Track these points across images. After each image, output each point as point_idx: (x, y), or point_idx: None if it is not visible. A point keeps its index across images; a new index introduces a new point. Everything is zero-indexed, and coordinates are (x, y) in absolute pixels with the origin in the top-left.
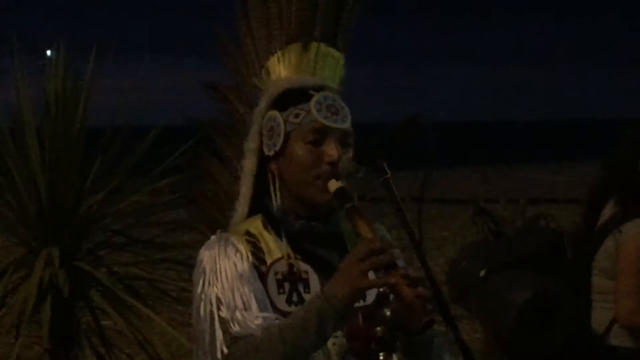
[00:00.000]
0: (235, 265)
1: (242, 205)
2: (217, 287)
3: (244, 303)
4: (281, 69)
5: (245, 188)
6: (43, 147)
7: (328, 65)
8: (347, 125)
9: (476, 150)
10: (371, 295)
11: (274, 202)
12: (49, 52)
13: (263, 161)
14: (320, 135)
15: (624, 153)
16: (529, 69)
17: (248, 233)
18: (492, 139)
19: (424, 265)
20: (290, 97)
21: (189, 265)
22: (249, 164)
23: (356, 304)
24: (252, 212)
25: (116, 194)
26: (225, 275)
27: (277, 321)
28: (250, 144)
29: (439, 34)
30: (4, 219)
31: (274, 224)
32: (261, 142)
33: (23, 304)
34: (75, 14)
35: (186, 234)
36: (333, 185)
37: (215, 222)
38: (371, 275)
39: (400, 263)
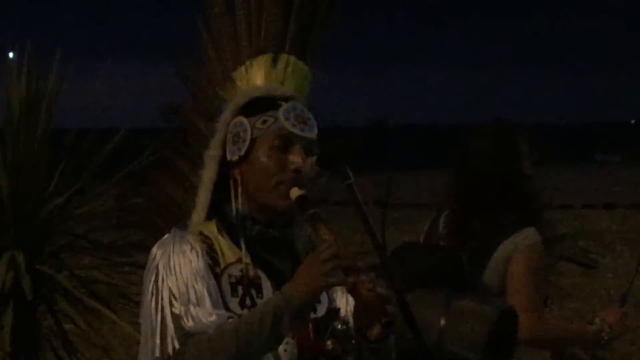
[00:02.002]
0: (190, 261)
1: (198, 212)
2: (170, 282)
3: (197, 299)
4: (250, 79)
5: (204, 196)
6: (5, 149)
7: (297, 77)
8: (314, 134)
9: (440, 154)
10: (322, 309)
11: (233, 206)
12: (11, 55)
13: (225, 168)
14: (286, 142)
15: (496, 157)
16: (490, 71)
17: (202, 234)
18: (459, 142)
19: (387, 269)
20: (259, 105)
21: None
22: (208, 173)
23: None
24: (208, 217)
25: (80, 197)
26: (180, 270)
27: (230, 319)
28: (212, 152)
29: (398, 35)
30: None
31: (229, 228)
32: (224, 150)
33: None
34: (41, 16)
35: (147, 239)
36: (295, 192)
37: (161, 232)
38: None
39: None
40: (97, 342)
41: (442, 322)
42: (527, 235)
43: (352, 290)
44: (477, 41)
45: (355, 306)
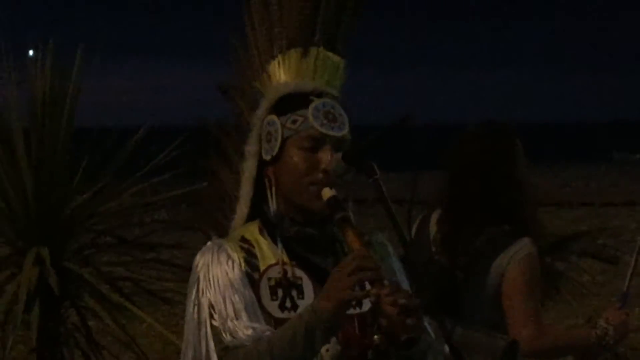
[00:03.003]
0: (226, 273)
1: (241, 208)
2: (209, 294)
3: (234, 312)
4: (281, 74)
5: (245, 191)
6: (30, 147)
7: (328, 70)
8: (343, 132)
9: None
10: (367, 303)
11: (270, 206)
12: (31, 52)
13: (262, 165)
14: (316, 142)
15: (489, 162)
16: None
17: (243, 239)
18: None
19: (414, 267)
20: (290, 102)
21: (173, 265)
22: (249, 167)
23: (352, 311)
24: (251, 216)
25: (103, 194)
26: (218, 282)
27: (267, 332)
28: (251, 147)
29: (421, 36)
30: None
31: (270, 229)
32: (261, 145)
33: (10, 303)
34: (63, 14)
35: (168, 235)
36: (326, 193)
37: (218, 224)
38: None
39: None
40: (121, 338)
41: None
42: (522, 246)
43: (375, 303)
44: (504, 40)
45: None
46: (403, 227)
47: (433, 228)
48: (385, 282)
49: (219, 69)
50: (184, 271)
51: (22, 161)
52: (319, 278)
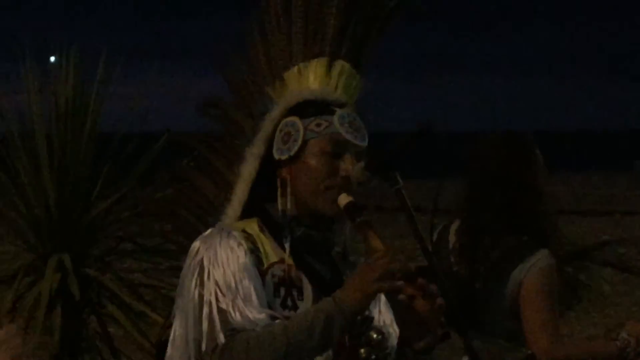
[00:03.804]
0: (238, 257)
1: (234, 208)
2: (217, 276)
3: (245, 295)
4: (302, 81)
5: (241, 192)
6: (52, 153)
7: (349, 85)
8: (364, 143)
9: None
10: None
11: (279, 206)
12: (52, 59)
13: (269, 166)
14: (339, 147)
15: (508, 171)
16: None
17: (245, 232)
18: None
19: (436, 276)
20: (313, 107)
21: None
22: (248, 169)
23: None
24: (243, 217)
25: (124, 201)
26: (228, 265)
27: (277, 320)
28: (255, 149)
29: (449, 42)
30: (12, 224)
31: (272, 228)
32: (267, 148)
33: (32, 309)
34: (86, 20)
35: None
36: (344, 199)
37: (197, 232)
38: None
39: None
40: (142, 345)
41: None
42: (540, 258)
43: (405, 299)
44: (525, 48)
45: (404, 316)
46: (425, 237)
47: (452, 238)
48: (417, 278)
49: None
50: None
51: (44, 168)
52: (316, 282)
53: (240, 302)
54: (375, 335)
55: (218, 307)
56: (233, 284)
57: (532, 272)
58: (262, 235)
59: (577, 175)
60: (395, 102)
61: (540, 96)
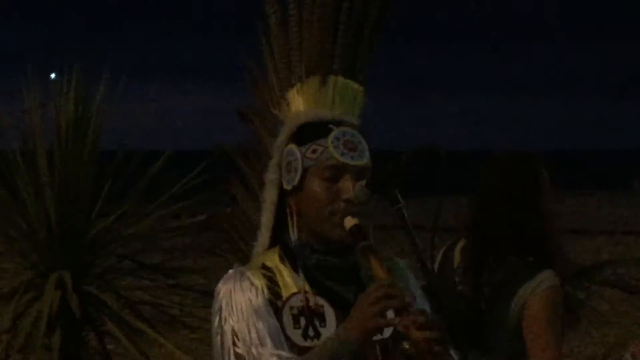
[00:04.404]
0: (250, 300)
1: (263, 235)
2: (232, 321)
3: (259, 339)
4: (300, 102)
5: (266, 219)
6: (53, 170)
7: (347, 98)
8: (364, 161)
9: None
10: (388, 330)
11: (291, 235)
12: (53, 75)
13: (283, 194)
14: (337, 172)
15: (515, 192)
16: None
17: (264, 266)
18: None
19: (436, 295)
20: (309, 132)
21: (193, 290)
22: (269, 195)
23: (374, 338)
24: (273, 243)
25: (125, 219)
26: (241, 309)
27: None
28: (270, 175)
29: (444, 62)
30: (13, 241)
31: (290, 257)
32: (281, 174)
33: (32, 326)
34: (88, 37)
35: (189, 260)
36: (349, 222)
37: (238, 249)
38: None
39: (413, 304)
40: None
41: None
42: (545, 278)
43: (401, 331)
44: (525, 67)
45: (408, 343)
46: (425, 256)
47: (457, 257)
48: (411, 309)
49: (244, 94)
50: (204, 296)
51: (45, 185)
52: (341, 306)
53: (254, 348)
54: (408, 346)
55: (235, 353)
56: (246, 330)
57: (536, 292)
58: (281, 266)
59: (577, 195)
60: (397, 121)
61: (540, 116)
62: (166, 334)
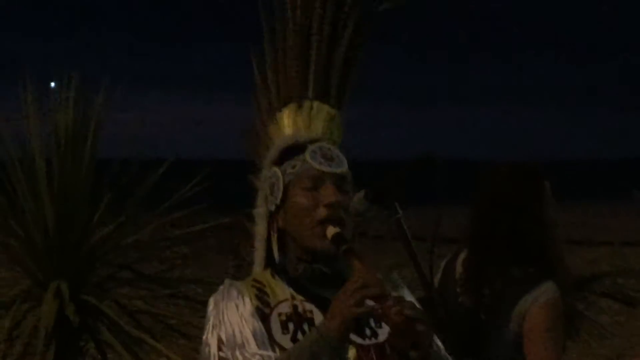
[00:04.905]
0: (236, 306)
1: (258, 263)
2: (219, 330)
3: (243, 341)
4: (280, 129)
5: (260, 252)
6: (52, 179)
7: (323, 120)
8: (342, 169)
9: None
10: (384, 333)
11: (274, 254)
12: (52, 84)
13: (271, 219)
14: (316, 181)
15: (517, 202)
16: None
17: (255, 280)
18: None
19: (435, 306)
20: (288, 153)
21: (192, 299)
22: (259, 229)
23: (368, 342)
24: (266, 266)
25: (124, 228)
26: (228, 316)
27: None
28: (259, 210)
29: (444, 72)
30: (11, 251)
31: (280, 273)
32: (267, 204)
33: (30, 336)
34: (87, 47)
35: (188, 269)
36: (330, 231)
37: (242, 259)
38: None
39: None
40: None
41: None
42: (545, 290)
43: (381, 317)
44: (525, 78)
45: (390, 331)
46: (424, 266)
47: (459, 268)
48: (389, 296)
49: (239, 105)
50: (203, 306)
51: (43, 193)
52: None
53: (237, 349)
54: (414, 355)
55: (219, 357)
56: (232, 334)
57: (536, 304)
58: (271, 280)
59: (576, 205)
60: (396, 130)
61: (539, 126)
62: (164, 344)
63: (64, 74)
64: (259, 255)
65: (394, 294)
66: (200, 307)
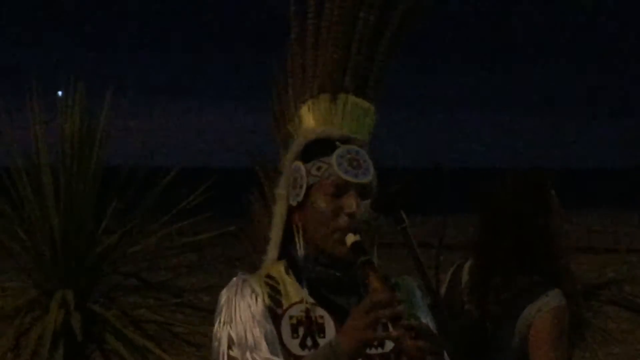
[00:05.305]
0: (249, 306)
1: (272, 250)
2: (230, 327)
3: (254, 344)
4: (310, 119)
5: (275, 233)
6: (58, 188)
7: (356, 116)
8: (367, 179)
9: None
10: (390, 343)
11: (298, 250)
12: (60, 93)
13: (290, 210)
14: (340, 189)
15: (524, 211)
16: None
17: (269, 276)
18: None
19: (441, 313)
20: (315, 148)
21: (199, 308)
22: (279, 210)
23: (374, 351)
24: (280, 256)
25: (130, 236)
26: (240, 315)
27: None
28: (280, 190)
29: (454, 79)
30: (18, 259)
31: (295, 269)
32: (289, 190)
33: (36, 345)
34: (93, 54)
35: (195, 278)
36: (350, 238)
37: (255, 265)
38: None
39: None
40: None
41: None
42: (551, 298)
43: (396, 343)
44: (534, 85)
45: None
46: (430, 274)
47: (465, 276)
48: (404, 321)
49: (248, 111)
50: (210, 314)
51: (50, 202)
52: (342, 318)
53: (248, 352)
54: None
55: (229, 355)
56: (243, 334)
57: (542, 312)
58: (285, 277)
59: (582, 212)
60: (403, 137)
61: (547, 133)
62: (171, 352)
63: (71, 83)
64: (274, 237)
65: (407, 306)
66: (206, 315)
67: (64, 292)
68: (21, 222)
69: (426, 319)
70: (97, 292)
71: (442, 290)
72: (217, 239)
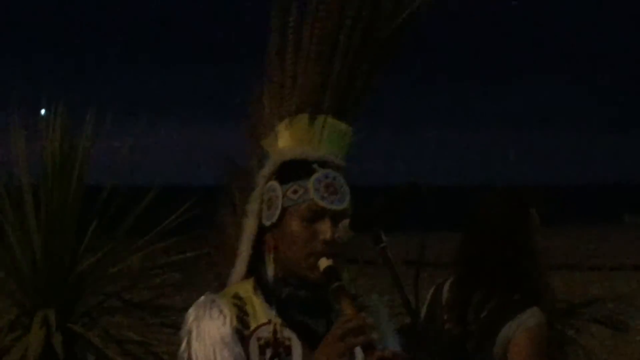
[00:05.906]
0: (217, 328)
1: (240, 264)
2: (197, 348)
3: None
4: (287, 137)
5: (245, 249)
6: (39, 206)
7: (334, 138)
8: (343, 206)
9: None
10: (358, 357)
11: (268, 271)
12: (43, 111)
13: (261, 227)
14: (315, 214)
15: (504, 230)
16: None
17: (236, 296)
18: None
19: (420, 334)
20: (292, 170)
21: (181, 328)
22: (249, 227)
23: None
24: (248, 273)
25: (112, 255)
26: (207, 337)
27: None
28: (252, 206)
29: (432, 96)
30: None
31: (264, 288)
32: (261, 207)
33: None
34: (75, 74)
35: (178, 297)
36: (323, 263)
37: (217, 277)
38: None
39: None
40: None
41: None
42: (531, 316)
43: None
44: (511, 103)
45: None
46: (409, 293)
47: (446, 294)
48: (378, 351)
49: (232, 128)
50: None
51: (30, 221)
52: (309, 339)
53: None
54: None
55: None
56: (211, 356)
57: (521, 329)
58: (253, 297)
59: (566, 229)
60: (381, 155)
61: (527, 150)
62: None
63: (52, 101)
64: (242, 253)
65: (374, 325)
66: None
67: (45, 311)
68: (1, 240)
69: (392, 340)
70: (78, 312)
71: (423, 309)
72: (201, 258)
